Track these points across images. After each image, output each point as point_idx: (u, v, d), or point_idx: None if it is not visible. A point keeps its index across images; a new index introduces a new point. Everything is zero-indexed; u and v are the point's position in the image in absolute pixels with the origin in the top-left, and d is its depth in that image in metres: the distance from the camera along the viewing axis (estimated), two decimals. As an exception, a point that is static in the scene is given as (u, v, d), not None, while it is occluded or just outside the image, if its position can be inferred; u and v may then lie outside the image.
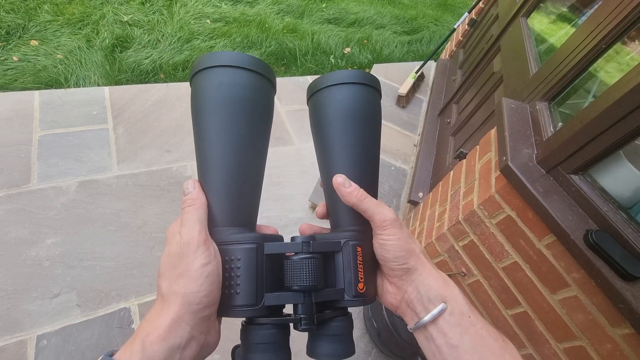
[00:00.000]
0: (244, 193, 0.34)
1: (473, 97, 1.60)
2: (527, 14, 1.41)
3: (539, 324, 0.84)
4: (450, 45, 2.52)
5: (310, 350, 0.34)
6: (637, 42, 0.83)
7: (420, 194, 1.53)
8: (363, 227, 0.35)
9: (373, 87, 0.37)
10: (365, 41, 2.84)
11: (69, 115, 1.69)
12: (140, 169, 1.57)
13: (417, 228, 1.33)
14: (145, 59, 2.07)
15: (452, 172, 1.24)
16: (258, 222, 0.37)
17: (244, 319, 0.32)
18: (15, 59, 1.86)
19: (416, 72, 2.25)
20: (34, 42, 1.97)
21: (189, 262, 0.29)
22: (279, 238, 0.34)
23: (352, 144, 0.36)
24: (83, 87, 1.86)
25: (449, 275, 1.08)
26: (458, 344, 0.30)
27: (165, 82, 2.04)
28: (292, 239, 0.34)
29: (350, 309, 0.36)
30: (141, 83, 1.99)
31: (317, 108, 0.38)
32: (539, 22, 1.39)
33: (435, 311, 0.31)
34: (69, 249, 1.28)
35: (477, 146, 1.11)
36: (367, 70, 2.57)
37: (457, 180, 1.15)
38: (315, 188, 1.63)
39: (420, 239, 1.25)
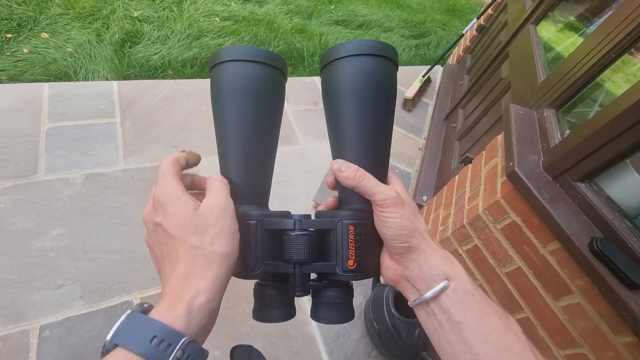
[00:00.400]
0: (258, 173, 0.38)
1: (480, 103, 1.60)
2: (537, 22, 1.42)
3: (541, 330, 0.84)
4: (458, 51, 2.52)
5: (312, 314, 0.38)
6: (646, 52, 0.84)
7: (425, 197, 1.53)
8: (365, 205, 0.36)
9: (388, 58, 0.36)
10: (373, 44, 2.85)
11: (77, 108, 1.70)
12: (146, 164, 1.58)
13: (420, 231, 1.34)
14: (154, 54, 2.08)
15: (457, 176, 1.24)
16: None
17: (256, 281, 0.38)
18: (25, 51, 1.87)
19: (423, 76, 2.26)
20: (44, 35, 1.99)
21: (227, 224, 0.30)
22: (285, 215, 0.37)
23: (361, 121, 0.36)
24: (92, 80, 1.87)
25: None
26: (461, 320, 0.30)
27: (173, 78, 2.05)
28: (290, 216, 0.37)
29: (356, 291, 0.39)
30: (149, 78, 2.00)
31: (328, 81, 0.37)
32: (547, 30, 1.40)
33: (437, 288, 0.31)
34: (73, 241, 1.29)
35: (483, 151, 1.11)
36: (374, 72, 2.57)
37: (462, 185, 1.16)
38: (320, 188, 1.64)
39: (423, 242, 1.25)
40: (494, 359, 0.29)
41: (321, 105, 0.40)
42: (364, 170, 0.34)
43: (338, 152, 0.37)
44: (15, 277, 1.17)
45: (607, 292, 0.66)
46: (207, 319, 0.28)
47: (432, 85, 2.46)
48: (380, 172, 0.37)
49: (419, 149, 2.02)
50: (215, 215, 0.31)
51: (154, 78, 2.02)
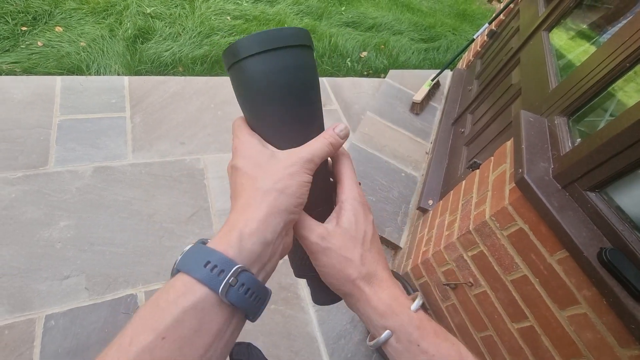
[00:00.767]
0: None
1: (489, 108, 1.59)
2: (549, 29, 1.41)
3: (545, 340, 0.83)
4: (468, 55, 2.51)
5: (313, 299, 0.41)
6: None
7: (430, 202, 1.53)
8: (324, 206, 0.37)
9: (303, 45, 0.31)
10: (382, 46, 2.85)
11: (88, 101, 1.72)
12: (154, 159, 1.59)
13: (426, 235, 1.33)
14: (166, 51, 2.10)
15: (464, 181, 1.23)
16: None
17: None
18: (40, 44, 1.90)
19: (432, 80, 2.25)
20: (58, 29, 2.02)
21: (299, 172, 0.29)
22: None
23: (288, 121, 0.32)
24: (103, 75, 1.89)
25: (456, 285, 1.08)
26: None
27: (183, 75, 2.07)
28: None
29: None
30: (160, 75, 2.02)
31: (240, 83, 0.31)
32: (559, 37, 1.39)
33: (380, 339, 0.31)
34: (80, 233, 1.31)
35: (492, 157, 1.11)
36: (383, 76, 2.57)
37: (469, 190, 1.15)
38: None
39: (428, 246, 1.25)
40: None
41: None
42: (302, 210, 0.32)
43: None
44: (22, 266, 1.19)
45: (615, 303, 0.66)
46: (260, 249, 0.27)
47: (440, 89, 2.45)
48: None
49: (426, 153, 2.01)
50: (292, 162, 0.30)
51: (165, 74, 2.04)
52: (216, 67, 2.19)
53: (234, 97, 0.33)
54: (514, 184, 0.84)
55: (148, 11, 2.30)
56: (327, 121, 0.33)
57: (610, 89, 0.89)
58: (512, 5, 2.05)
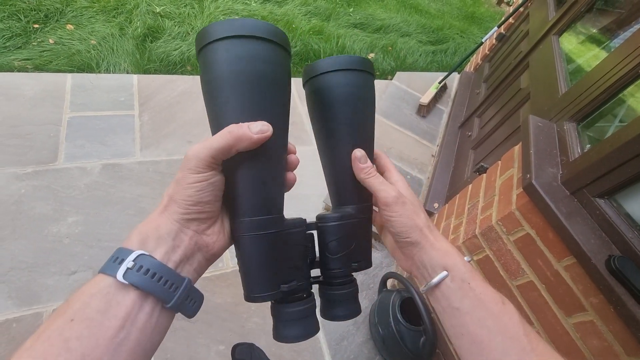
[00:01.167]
0: (269, 180, 0.33)
1: (497, 112, 1.59)
2: (560, 33, 1.40)
3: (551, 347, 0.83)
4: (476, 59, 2.50)
5: (322, 313, 0.41)
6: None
7: (436, 205, 1.52)
8: (356, 205, 0.40)
9: (372, 73, 0.41)
10: (390, 48, 2.84)
11: (98, 99, 1.74)
12: (161, 157, 1.61)
13: (430, 238, 1.33)
14: (174, 50, 2.12)
15: (470, 185, 1.23)
16: None
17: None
18: (51, 41, 1.93)
19: (439, 83, 2.24)
20: (69, 27, 2.04)
21: (184, 174, 0.30)
22: (301, 224, 0.38)
23: (355, 125, 0.39)
24: (113, 73, 1.92)
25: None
26: (459, 307, 0.34)
27: (191, 74, 2.08)
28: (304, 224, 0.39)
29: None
30: (168, 73, 2.04)
31: (320, 91, 0.39)
32: (570, 42, 1.38)
33: (437, 278, 0.35)
34: (88, 229, 1.32)
35: (499, 162, 1.10)
36: (390, 77, 2.57)
37: (475, 194, 1.15)
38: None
39: (432, 249, 1.24)
40: (489, 341, 0.32)
41: None
42: (374, 168, 0.39)
43: (334, 153, 0.40)
44: (31, 260, 1.21)
45: (623, 312, 0.65)
46: (156, 242, 0.29)
47: (447, 92, 2.44)
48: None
49: (432, 155, 2.01)
50: (183, 166, 0.30)
51: (173, 73, 2.06)
52: (224, 66, 2.20)
53: None
54: (522, 189, 0.84)
55: (158, 10, 2.32)
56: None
57: (621, 95, 0.88)
58: (521, 9, 2.03)
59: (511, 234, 0.89)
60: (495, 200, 0.99)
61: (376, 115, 0.43)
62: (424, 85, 2.36)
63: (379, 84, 2.45)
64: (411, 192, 0.40)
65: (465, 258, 0.37)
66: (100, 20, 2.15)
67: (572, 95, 0.99)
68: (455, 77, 2.51)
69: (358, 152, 0.38)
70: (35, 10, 2.01)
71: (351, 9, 3.16)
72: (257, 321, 1.25)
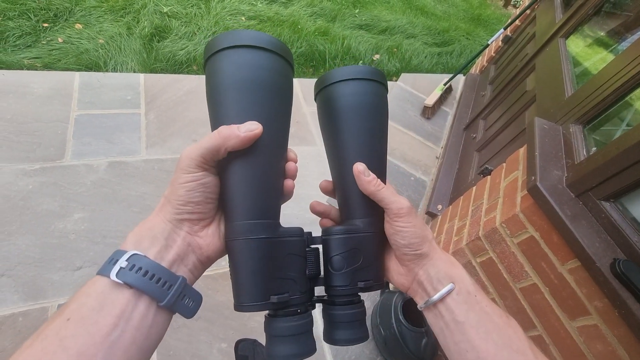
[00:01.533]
0: (267, 185, 0.33)
1: (502, 114, 1.58)
2: (567, 35, 1.39)
3: (554, 350, 0.82)
4: (482, 61, 2.49)
5: (326, 337, 0.37)
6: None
7: (440, 207, 1.52)
8: (369, 217, 0.37)
9: (383, 83, 0.40)
10: (395, 49, 2.84)
11: (105, 98, 1.76)
12: (167, 155, 1.62)
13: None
14: (181, 50, 2.14)
15: (474, 187, 1.22)
16: None
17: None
18: (60, 40, 1.95)
19: (444, 85, 2.24)
20: (78, 26, 2.07)
21: (177, 174, 0.31)
22: (299, 233, 0.36)
23: (365, 136, 0.38)
24: (120, 72, 1.94)
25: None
26: (464, 320, 0.32)
27: (197, 74, 2.10)
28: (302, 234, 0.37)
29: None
30: (175, 73, 2.06)
31: (329, 101, 0.38)
32: (577, 44, 1.37)
33: (443, 290, 0.33)
34: (94, 225, 1.34)
35: (504, 164, 1.10)
36: (395, 79, 2.57)
37: (479, 196, 1.14)
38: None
39: (435, 251, 1.24)
40: (495, 355, 0.31)
41: None
42: (380, 181, 0.36)
43: (342, 164, 0.38)
44: (38, 255, 1.22)
45: (628, 316, 0.64)
46: (150, 242, 0.29)
47: (452, 94, 2.43)
48: (381, 180, 0.38)
49: (436, 157, 2.00)
50: (177, 167, 0.31)
51: (179, 73, 2.07)
52: (230, 66, 2.21)
53: None
54: (526, 191, 0.84)
55: (165, 10, 2.34)
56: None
57: (627, 98, 0.87)
58: (528, 11, 2.03)
59: (515, 236, 0.89)
60: (500, 202, 0.99)
61: (388, 109, 0.41)
62: (429, 87, 2.36)
63: (383, 85, 2.45)
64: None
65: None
66: (109, 19, 2.18)
67: (579, 98, 0.99)
68: (460, 79, 2.51)
69: (360, 166, 0.36)
70: (45, 10, 2.04)
71: (357, 10, 3.17)
72: (259, 320, 1.25)
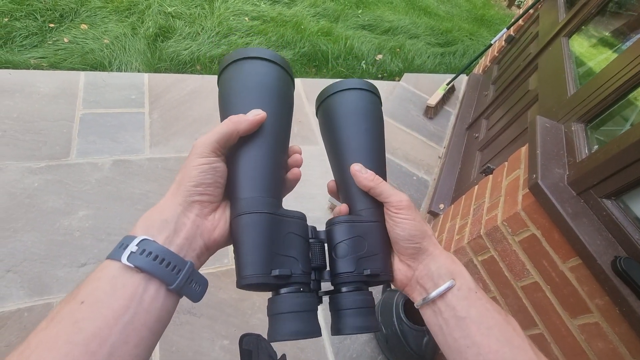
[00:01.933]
0: (274, 165, 0.37)
1: (505, 114, 1.58)
2: (570, 34, 1.39)
3: (555, 348, 0.82)
4: (485, 61, 2.48)
5: (335, 329, 0.36)
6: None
7: (441, 206, 1.52)
8: (372, 211, 0.39)
9: (375, 94, 0.45)
10: (398, 50, 2.84)
11: (109, 97, 1.78)
12: (170, 154, 1.63)
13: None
14: (185, 50, 2.16)
15: (476, 186, 1.23)
16: None
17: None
18: (66, 40, 1.98)
19: (447, 84, 2.24)
20: (84, 26, 2.09)
21: (191, 158, 0.33)
22: (301, 217, 0.38)
23: (362, 136, 0.41)
24: (125, 72, 1.95)
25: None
26: (465, 316, 0.32)
27: (201, 73, 2.11)
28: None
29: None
30: (178, 73, 2.07)
31: (329, 109, 0.43)
32: (580, 44, 1.37)
33: (445, 286, 0.33)
34: (98, 223, 1.35)
35: (506, 162, 1.10)
36: (398, 79, 2.57)
37: (481, 195, 1.14)
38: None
39: (437, 250, 1.24)
40: (496, 351, 0.30)
41: None
42: (379, 176, 0.38)
43: (344, 164, 0.40)
44: (43, 252, 1.24)
45: (629, 313, 0.64)
46: (160, 225, 0.30)
47: (455, 94, 2.43)
48: (381, 176, 0.40)
49: (439, 157, 2.00)
50: (191, 151, 0.34)
51: (183, 72, 2.09)
52: (233, 66, 2.23)
53: None
54: (528, 190, 0.84)
55: (169, 10, 2.36)
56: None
57: (630, 96, 0.87)
58: (531, 11, 2.02)
59: (516, 235, 0.89)
60: (501, 200, 0.99)
61: (383, 116, 0.45)
62: (431, 86, 2.36)
63: (386, 85, 2.45)
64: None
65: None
66: (114, 20, 2.20)
67: (581, 96, 0.99)
68: (463, 78, 2.50)
69: (356, 166, 0.38)
70: (51, 10, 2.06)
71: (360, 11, 3.17)
72: (261, 317, 1.26)
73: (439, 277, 0.34)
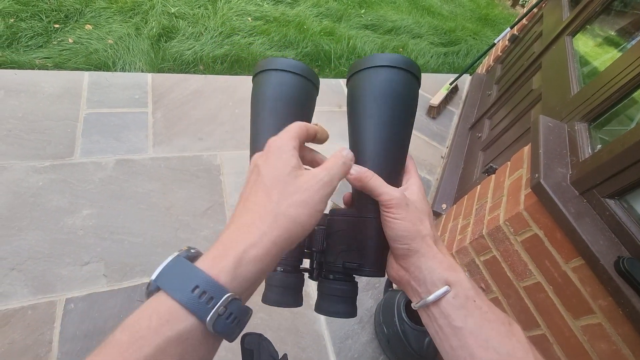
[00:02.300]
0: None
1: (508, 113, 1.57)
2: (573, 33, 1.38)
3: (557, 349, 0.81)
4: (488, 60, 2.47)
5: (317, 307, 0.39)
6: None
7: (444, 206, 1.51)
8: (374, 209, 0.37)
9: (412, 72, 0.38)
10: (401, 49, 2.84)
11: (113, 97, 1.79)
12: (173, 154, 1.64)
13: (437, 239, 1.32)
14: (188, 50, 2.16)
15: (479, 186, 1.22)
16: None
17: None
18: (70, 40, 1.99)
19: (450, 84, 2.23)
20: (88, 27, 2.11)
21: (316, 198, 0.28)
22: None
23: (384, 125, 0.37)
24: (128, 72, 1.97)
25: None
26: (462, 326, 0.30)
27: (204, 73, 2.12)
28: None
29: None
30: (181, 72, 2.08)
31: (354, 88, 0.40)
32: (584, 43, 1.36)
33: (437, 293, 0.31)
34: (101, 222, 1.36)
35: (508, 162, 1.09)
36: (400, 78, 2.56)
37: (483, 195, 1.14)
38: (338, 189, 1.64)
39: (439, 250, 1.24)
40: None
41: (344, 108, 0.42)
42: (371, 172, 0.35)
43: (356, 149, 0.38)
44: (47, 250, 1.25)
45: (632, 314, 0.64)
46: (255, 277, 0.25)
47: (458, 93, 2.42)
48: (394, 173, 0.38)
49: (441, 157, 1.99)
50: (311, 186, 0.28)
51: (186, 72, 2.10)
52: (235, 66, 2.24)
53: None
54: (530, 189, 0.83)
55: (172, 11, 2.37)
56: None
57: (634, 95, 0.87)
58: (535, 10, 2.01)
59: (518, 235, 0.88)
60: (504, 200, 0.99)
61: (418, 98, 0.41)
62: (434, 86, 2.35)
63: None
64: (423, 199, 0.36)
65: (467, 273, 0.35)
66: (118, 20, 2.21)
67: (584, 96, 0.98)
68: (466, 78, 2.49)
69: (345, 152, 0.34)
70: (56, 11, 2.08)
71: (363, 11, 3.17)
72: (263, 317, 1.26)
73: (432, 282, 0.32)
